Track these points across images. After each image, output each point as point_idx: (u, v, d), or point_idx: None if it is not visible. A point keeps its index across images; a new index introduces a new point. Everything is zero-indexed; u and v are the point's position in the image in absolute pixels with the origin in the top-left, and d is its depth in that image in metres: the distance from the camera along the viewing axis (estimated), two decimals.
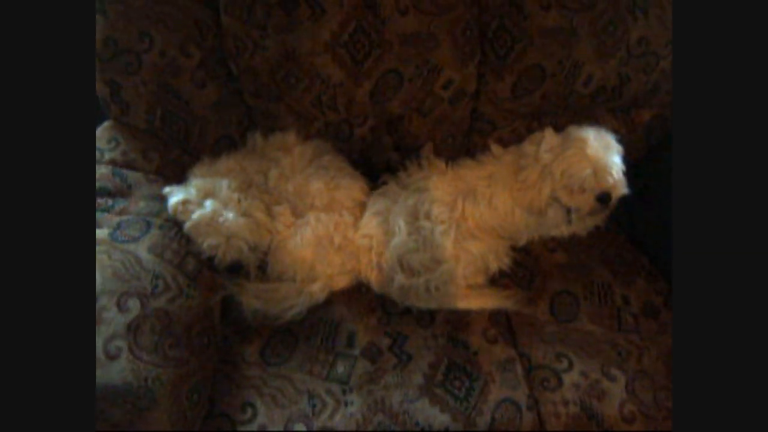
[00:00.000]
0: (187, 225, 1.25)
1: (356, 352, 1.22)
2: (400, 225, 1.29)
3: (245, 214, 1.29)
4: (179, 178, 1.38)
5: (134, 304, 1.08)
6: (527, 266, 1.43)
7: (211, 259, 1.26)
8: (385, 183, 1.45)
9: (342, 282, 1.35)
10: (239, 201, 1.29)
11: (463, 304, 1.31)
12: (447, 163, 1.42)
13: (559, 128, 1.50)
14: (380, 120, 1.50)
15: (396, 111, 1.48)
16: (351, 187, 1.40)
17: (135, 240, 1.18)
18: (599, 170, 1.27)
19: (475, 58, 1.43)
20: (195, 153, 1.46)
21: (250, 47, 1.36)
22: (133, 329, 1.06)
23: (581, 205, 1.33)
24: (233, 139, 1.49)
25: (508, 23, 1.40)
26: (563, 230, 1.47)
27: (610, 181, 1.28)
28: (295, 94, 1.42)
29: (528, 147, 1.40)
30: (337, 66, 1.37)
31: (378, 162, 1.54)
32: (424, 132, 1.51)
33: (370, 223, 1.34)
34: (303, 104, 1.44)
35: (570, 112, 1.52)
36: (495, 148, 1.46)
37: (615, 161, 1.30)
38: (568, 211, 1.41)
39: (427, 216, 1.30)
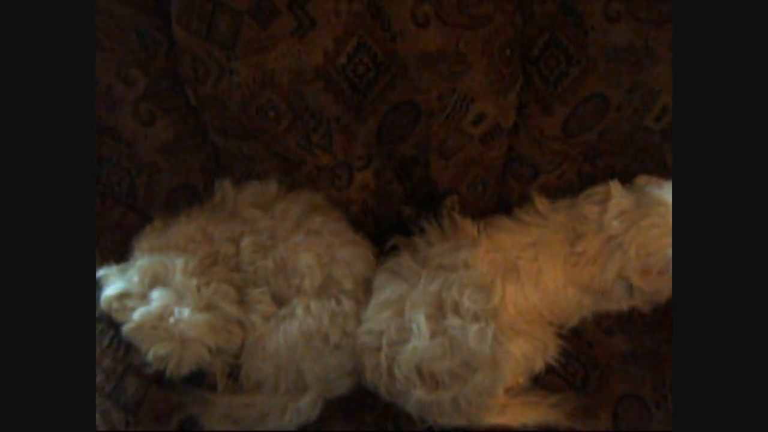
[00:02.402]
0: (126, 328, 0.91)
1: None
2: (420, 323, 0.95)
3: (208, 306, 0.95)
4: (121, 248, 1.04)
5: None
6: (580, 357, 1.10)
7: (160, 373, 0.93)
8: (396, 248, 1.11)
9: (340, 387, 1.02)
10: (199, 289, 0.95)
11: (500, 419, 0.99)
12: (479, 228, 1.08)
13: (617, 172, 1.17)
14: (389, 163, 1.15)
15: (410, 153, 1.13)
16: (352, 261, 1.05)
17: None
18: None
19: (516, 85, 1.08)
20: (143, 210, 1.10)
21: (214, 70, 1.01)
22: None
23: (660, 289, 1.02)
24: (194, 190, 1.14)
25: (562, 39, 1.04)
26: (623, 305, 1.14)
27: None
28: (275, 132, 1.07)
29: (587, 207, 1.06)
30: (333, 96, 1.02)
31: (386, 217, 1.19)
32: (447, 178, 1.16)
33: (378, 316, 1.00)
34: (287, 144, 1.09)
35: (631, 151, 1.18)
36: (540, 203, 1.11)
37: None
38: (631, 285, 1.09)
39: (456, 309, 0.96)
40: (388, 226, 1.18)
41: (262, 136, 1.08)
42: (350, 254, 1.06)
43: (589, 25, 1.02)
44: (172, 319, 0.91)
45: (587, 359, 1.11)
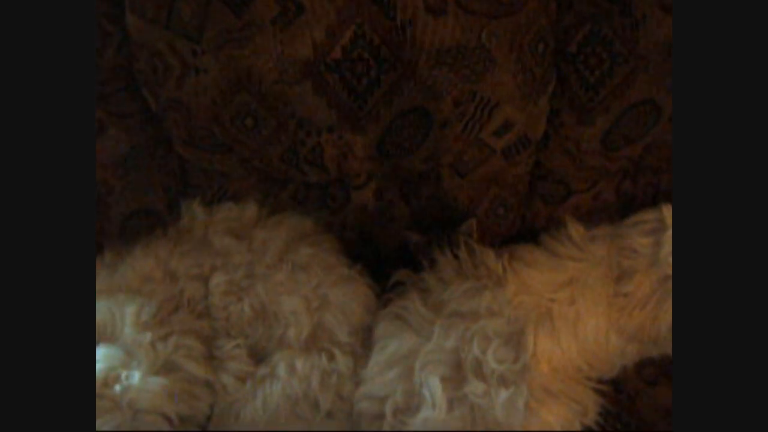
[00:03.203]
0: None
1: None
2: (434, 388, 0.76)
3: (166, 367, 0.75)
4: None
5: None
6: (620, 415, 0.91)
7: None
8: (401, 284, 0.92)
9: None
10: (154, 346, 0.75)
11: None
12: (504, 263, 0.88)
13: (661, 191, 1.00)
14: (392, 180, 0.96)
15: (418, 169, 0.94)
16: (347, 305, 0.85)
17: None
18: None
19: (549, 88, 0.89)
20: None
21: (177, 68, 0.81)
22: None
23: None
24: (155, 215, 0.94)
25: (605, 31, 0.85)
26: (668, 349, 0.96)
27: None
28: (254, 144, 0.88)
29: (635, 238, 0.87)
30: (325, 100, 0.83)
31: (388, 245, 1.00)
32: (462, 199, 0.97)
33: (381, 377, 0.80)
34: (268, 158, 0.90)
35: None
36: (575, 230, 0.92)
37: None
38: None
39: (479, 371, 0.77)
40: (392, 257, 0.98)
41: (238, 148, 0.89)
42: (346, 295, 0.86)
43: (640, 14, 0.84)
44: (118, 386, 0.71)
45: (629, 418, 0.92)
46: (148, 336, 0.75)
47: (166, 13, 0.78)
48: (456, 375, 0.78)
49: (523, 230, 1.03)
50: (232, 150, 0.90)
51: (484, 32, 0.81)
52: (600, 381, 0.92)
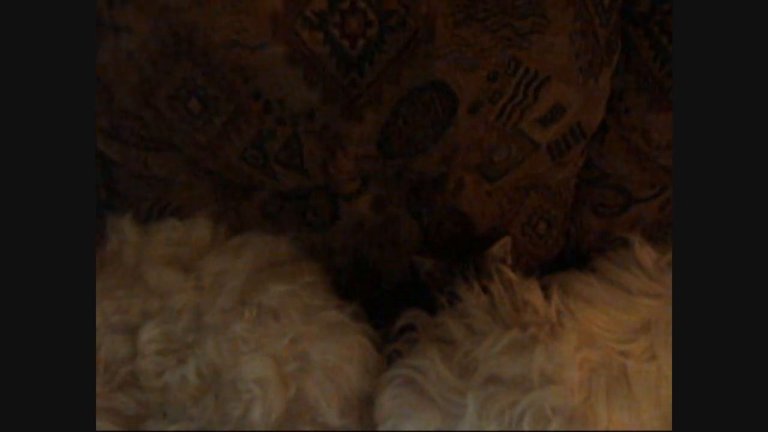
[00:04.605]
0: None
1: None
2: None
3: None
4: None
5: None
6: None
7: None
8: (410, 329, 0.67)
9: None
10: None
11: None
12: (556, 304, 0.64)
13: None
14: (397, 187, 0.72)
15: (433, 171, 0.69)
16: (338, 366, 0.60)
17: None
18: None
19: (613, 58, 0.65)
20: None
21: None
22: None
23: None
24: None
25: None
26: None
27: None
28: (202, 137, 0.63)
29: None
30: (303, 74, 0.59)
31: (392, 275, 0.75)
32: (489, 212, 0.73)
33: None
34: (224, 157, 0.65)
35: None
36: (646, 255, 0.68)
37: None
38: None
39: None
40: (397, 291, 0.74)
41: (181, 142, 0.64)
42: (335, 352, 0.60)
43: None
44: None
45: None
46: None
47: None
48: None
49: (567, 251, 0.79)
50: (173, 146, 0.65)
51: None
52: None
